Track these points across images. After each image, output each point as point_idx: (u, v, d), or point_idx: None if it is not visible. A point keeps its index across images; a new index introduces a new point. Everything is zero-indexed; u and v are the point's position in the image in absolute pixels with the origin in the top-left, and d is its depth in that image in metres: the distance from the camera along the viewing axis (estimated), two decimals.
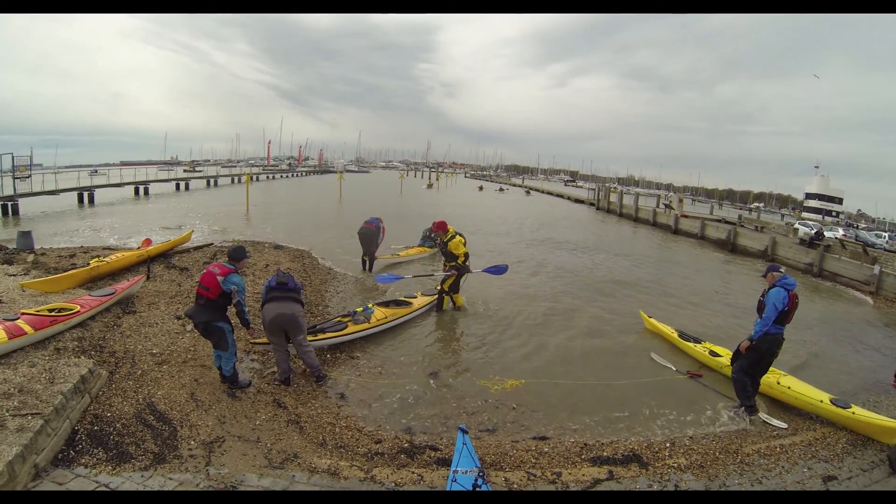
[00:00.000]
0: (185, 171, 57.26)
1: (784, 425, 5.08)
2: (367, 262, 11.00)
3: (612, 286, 11.46)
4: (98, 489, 3.16)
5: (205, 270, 4.81)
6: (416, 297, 8.16)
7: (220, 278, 4.63)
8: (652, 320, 7.98)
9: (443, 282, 8.22)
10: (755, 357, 5.10)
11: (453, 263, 8.05)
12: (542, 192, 61.32)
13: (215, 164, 78.19)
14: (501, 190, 56.47)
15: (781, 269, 5.22)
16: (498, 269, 8.92)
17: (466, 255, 8.14)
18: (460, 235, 8.34)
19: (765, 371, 5.26)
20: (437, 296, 8.36)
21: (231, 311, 4.89)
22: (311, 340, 5.77)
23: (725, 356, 6.18)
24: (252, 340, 5.71)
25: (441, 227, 8.40)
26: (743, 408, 5.25)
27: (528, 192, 57.12)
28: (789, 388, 5.48)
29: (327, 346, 6.19)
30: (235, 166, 74.79)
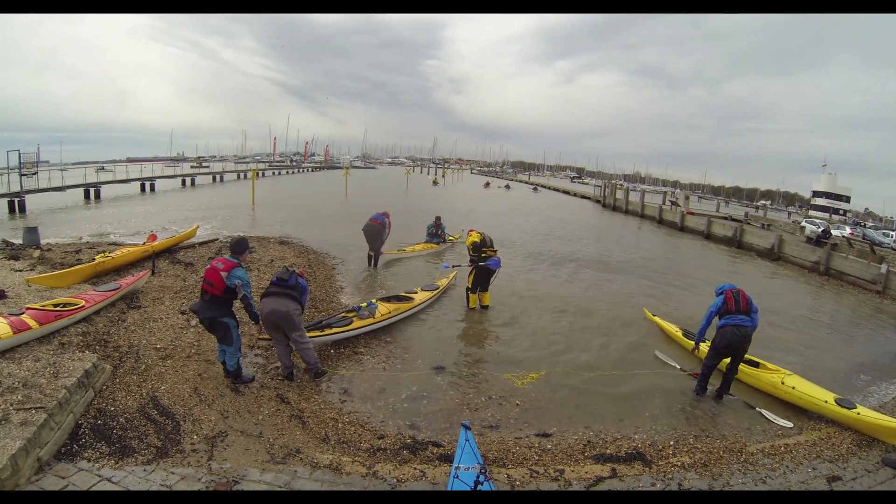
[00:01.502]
0: (192, 167, 57.45)
1: (789, 424, 5.06)
2: (373, 258, 11.00)
3: (614, 285, 11.41)
4: (101, 483, 3.18)
5: (208, 266, 4.82)
6: (416, 293, 8.21)
7: (223, 274, 4.63)
8: (656, 318, 7.94)
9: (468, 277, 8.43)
10: (713, 352, 5.50)
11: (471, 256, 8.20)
12: (549, 188, 61.15)
13: (222, 161, 78.27)
14: (508, 187, 56.24)
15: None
16: (494, 262, 8.94)
17: (472, 247, 8.13)
18: (476, 232, 8.43)
19: (738, 360, 5.43)
20: (436, 291, 8.53)
21: (237, 305, 4.90)
22: (316, 336, 5.79)
23: None
24: (259, 336, 5.71)
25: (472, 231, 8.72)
26: (697, 390, 5.72)
27: (535, 189, 56.93)
28: (794, 387, 5.44)
29: (331, 341, 6.20)
30: (246, 162, 74.97)
